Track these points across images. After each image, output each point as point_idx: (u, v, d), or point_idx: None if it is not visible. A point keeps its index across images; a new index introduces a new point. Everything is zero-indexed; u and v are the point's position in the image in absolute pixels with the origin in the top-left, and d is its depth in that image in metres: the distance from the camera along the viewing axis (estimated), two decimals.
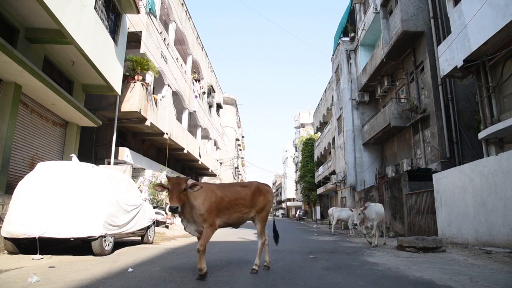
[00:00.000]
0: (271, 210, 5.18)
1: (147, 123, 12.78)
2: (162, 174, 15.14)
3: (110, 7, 10.06)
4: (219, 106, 28.95)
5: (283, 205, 75.50)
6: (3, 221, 6.11)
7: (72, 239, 5.99)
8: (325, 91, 30.52)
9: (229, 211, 4.48)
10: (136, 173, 14.03)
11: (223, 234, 13.24)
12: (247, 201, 4.68)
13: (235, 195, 4.58)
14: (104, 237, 6.24)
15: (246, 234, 13.67)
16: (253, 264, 4.74)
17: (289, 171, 63.77)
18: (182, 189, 3.86)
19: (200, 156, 21.21)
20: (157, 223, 11.77)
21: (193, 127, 21.17)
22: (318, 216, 34.58)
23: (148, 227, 8.53)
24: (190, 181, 4.04)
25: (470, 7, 9.51)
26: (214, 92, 25.45)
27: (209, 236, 4.20)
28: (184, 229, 4.27)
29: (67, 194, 6.01)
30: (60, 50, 8.83)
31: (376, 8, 16.98)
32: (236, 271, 4.94)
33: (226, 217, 4.47)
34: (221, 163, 32.05)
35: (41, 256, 5.71)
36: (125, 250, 7.41)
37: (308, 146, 39.46)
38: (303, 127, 53.13)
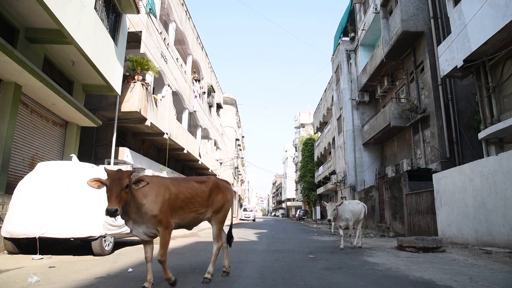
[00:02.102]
0: (230, 210, 4.62)
1: (147, 123, 12.77)
2: (162, 174, 15.14)
3: (110, 7, 10.06)
4: (219, 106, 28.94)
5: (283, 205, 75.52)
6: (3, 221, 6.11)
7: (72, 239, 5.99)
8: (325, 91, 30.52)
9: (183, 210, 3.90)
10: (136, 173, 14.00)
11: None
12: (204, 200, 4.11)
13: (191, 192, 4.00)
14: (104, 237, 6.25)
15: (246, 234, 13.67)
16: (205, 272, 4.16)
17: (289, 171, 63.81)
18: (123, 186, 3.17)
19: (200, 156, 21.21)
20: None
21: (193, 127, 21.17)
22: (318, 216, 34.59)
23: None
24: (135, 175, 3.47)
25: (470, 7, 9.51)
26: (214, 92, 25.45)
27: (168, 241, 3.66)
28: (130, 231, 3.66)
29: (67, 194, 6.01)
30: (60, 50, 8.83)
31: (376, 8, 16.98)
32: (236, 271, 4.94)
33: (180, 218, 3.88)
34: (221, 163, 32.03)
35: (41, 256, 5.71)
36: (125, 250, 7.41)
37: (308, 146, 39.47)
38: (303, 127, 53.15)
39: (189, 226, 4.20)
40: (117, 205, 3.09)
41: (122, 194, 3.17)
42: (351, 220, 7.98)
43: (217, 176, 4.56)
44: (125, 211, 3.39)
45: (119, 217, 3.26)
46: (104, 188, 3.21)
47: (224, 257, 4.55)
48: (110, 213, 3.06)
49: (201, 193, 4.09)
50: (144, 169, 14.32)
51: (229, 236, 4.61)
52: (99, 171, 6.52)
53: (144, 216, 3.50)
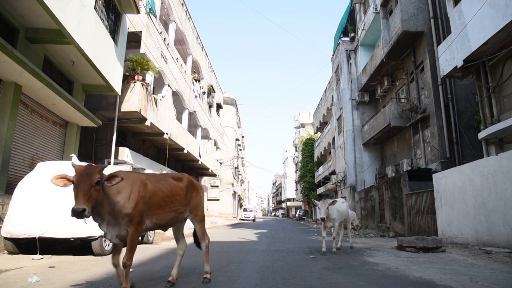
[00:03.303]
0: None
1: (147, 123, 12.78)
2: None
3: (110, 7, 10.06)
4: (219, 106, 28.94)
5: (283, 205, 75.53)
6: (3, 221, 6.11)
7: (72, 239, 5.99)
8: (325, 91, 30.52)
9: (163, 210, 3.58)
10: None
11: (223, 234, 13.24)
12: (183, 198, 3.82)
13: (171, 190, 3.69)
14: (104, 237, 6.24)
15: (246, 234, 13.67)
16: (204, 273, 4.05)
17: (289, 171, 63.82)
18: (93, 182, 2.81)
19: (200, 156, 21.21)
20: None
21: (193, 127, 21.17)
22: (318, 216, 34.55)
23: None
24: (109, 170, 3.11)
25: (470, 7, 9.51)
26: (214, 92, 25.45)
27: (136, 244, 3.34)
28: (104, 236, 3.29)
29: (67, 194, 6.00)
30: (60, 50, 8.83)
31: (376, 8, 16.98)
32: (236, 271, 4.94)
33: (158, 218, 3.56)
34: (221, 163, 32.04)
35: (41, 256, 5.71)
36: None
37: (308, 146, 39.48)
38: (303, 127, 53.16)
39: (167, 227, 3.87)
40: (85, 204, 2.70)
41: (92, 192, 2.79)
42: (337, 220, 7.40)
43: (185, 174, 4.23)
44: (97, 212, 3.03)
45: (90, 218, 2.94)
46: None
47: (175, 265, 4.01)
48: (76, 213, 2.66)
49: (180, 191, 3.80)
50: (144, 169, 14.33)
51: (196, 238, 4.29)
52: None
53: (118, 216, 3.16)
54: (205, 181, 31.53)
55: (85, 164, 2.94)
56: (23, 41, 7.89)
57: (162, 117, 14.29)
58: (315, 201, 7.38)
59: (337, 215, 7.34)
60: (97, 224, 3.14)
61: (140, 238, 8.88)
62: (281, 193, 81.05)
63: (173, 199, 3.67)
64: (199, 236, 4.14)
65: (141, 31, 12.19)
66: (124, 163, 12.52)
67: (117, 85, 10.64)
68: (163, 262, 5.61)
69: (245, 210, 39.72)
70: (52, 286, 3.84)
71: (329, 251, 7.20)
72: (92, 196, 2.80)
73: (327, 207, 6.94)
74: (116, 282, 4.11)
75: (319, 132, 34.96)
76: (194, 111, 19.65)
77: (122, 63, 11.03)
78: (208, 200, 34.02)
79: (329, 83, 28.55)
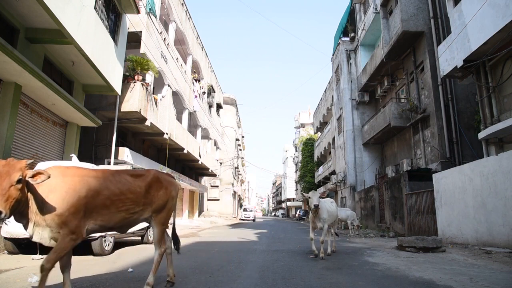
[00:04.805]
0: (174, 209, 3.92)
1: (147, 123, 12.78)
2: None
3: (110, 7, 10.06)
4: (219, 106, 28.95)
5: (283, 205, 75.53)
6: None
7: None
8: (325, 91, 30.53)
9: (109, 210, 3.21)
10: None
11: (223, 234, 13.23)
12: (139, 196, 3.44)
13: (121, 188, 3.33)
14: (104, 237, 6.25)
15: (246, 234, 13.67)
16: (145, 284, 3.58)
17: (289, 171, 63.82)
18: (13, 181, 2.55)
19: (200, 156, 21.21)
20: None
21: (193, 127, 21.17)
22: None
23: (148, 227, 8.53)
24: (45, 166, 2.85)
25: (470, 7, 9.51)
26: (214, 92, 25.46)
27: (64, 249, 2.90)
28: (30, 237, 2.92)
29: None
30: (60, 50, 8.83)
31: (376, 8, 16.99)
32: (236, 271, 4.94)
33: (103, 219, 3.20)
34: (221, 163, 32.05)
35: (41, 256, 5.71)
36: (125, 250, 7.41)
37: (308, 146, 39.49)
38: (303, 127, 53.18)
39: (120, 229, 3.50)
40: (1, 205, 2.45)
41: (11, 191, 2.53)
42: (327, 221, 6.71)
43: (156, 169, 3.95)
44: (22, 213, 2.75)
45: (12, 219, 2.69)
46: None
47: (168, 264, 3.88)
48: None
49: (135, 189, 3.43)
50: (144, 169, 14.33)
51: (175, 239, 4.02)
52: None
53: (47, 216, 2.84)
54: (205, 181, 31.54)
55: (9, 159, 2.70)
56: (23, 41, 7.89)
57: (162, 117, 14.30)
58: (304, 193, 6.97)
59: (327, 215, 6.73)
60: (21, 225, 2.85)
61: (140, 238, 8.91)
62: (281, 193, 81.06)
63: (122, 198, 3.30)
64: (154, 241, 3.68)
65: (141, 31, 12.20)
66: (124, 163, 12.53)
67: (117, 85, 10.64)
68: (163, 262, 5.60)
69: (245, 210, 39.71)
70: (52, 286, 3.84)
71: (324, 251, 6.54)
72: (11, 196, 2.55)
73: (319, 197, 6.47)
74: (117, 282, 4.11)
75: (319, 132, 34.96)
76: (194, 111, 19.65)
77: (122, 63, 11.03)
78: (208, 200, 34.04)
79: (329, 83, 28.56)
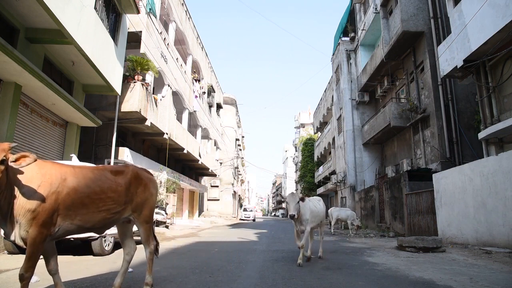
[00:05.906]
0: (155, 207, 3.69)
1: (147, 123, 12.78)
2: (162, 174, 15.13)
3: (110, 7, 10.06)
4: (219, 106, 28.95)
5: (283, 205, 75.48)
6: None
7: (72, 239, 5.99)
8: (325, 91, 30.53)
9: (88, 209, 2.93)
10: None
11: (223, 234, 13.23)
12: (121, 195, 3.20)
13: (101, 185, 3.06)
14: (104, 237, 6.25)
15: (246, 234, 13.66)
16: (144, 285, 3.51)
17: (289, 171, 63.82)
18: None
19: (200, 156, 21.21)
20: (157, 223, 11.76)
21: (193, 127, 21.17)
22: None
23: None
24: (24, 153, 2.54)
25: (470, 7, 9.51)
26: (214, 92, 25.46)
27: (38, 251, 2.64)
28: (5, 235, 2.68)
29: None
30: (60, 50, 8.83)
31: (376, 8, 16.99)
32: (236, 271, 4.94)
33: (82, 219, 2.91)
34: (221, 163, 32.05)
35: (41, 256, 5.71)
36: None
37: (308, 146, 39.49)
38: (303, 127, 53.18)
39: (99, 229, 3.23)
40: None
41: None
42: (309, 223, 5.88)
43: (134, 165, 3.72)
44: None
45: None
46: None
47: (120, 272, 3.55)
48: None
49: (116, 187, 3.17)
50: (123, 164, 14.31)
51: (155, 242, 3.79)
52: None
53: (18, 209, 2.54)
54: (205, 181, 31.53)
55: None
56: (23, 41, 7.89)
57: (162, 117, 14.30)
58: (282, 196, 6.20)
59: (310, 216, 5.86)
60: None
61: (140, 238, 8.87)
62: (281, 193, 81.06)
63: (103, 197, 3.04)
64: (142, 241, 3.52)
65: (141, 31, 12.20)
66: (124, 163, 12.53)
67: (117, 85, 10.64)
68: (163, 262, 5.60)
69: (245, 210, 39.71)
70: (52, 286, 3.84)
71: (315, 254, 6.36)
72: None
73: (297, 202, 5.58)
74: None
75: (319, 132, 34.96)
76: (194, 111, 19.65)
77: (122, 63, 11.03)
78: (208, 200, 34.04)
79: (329, 83, 28.56)
